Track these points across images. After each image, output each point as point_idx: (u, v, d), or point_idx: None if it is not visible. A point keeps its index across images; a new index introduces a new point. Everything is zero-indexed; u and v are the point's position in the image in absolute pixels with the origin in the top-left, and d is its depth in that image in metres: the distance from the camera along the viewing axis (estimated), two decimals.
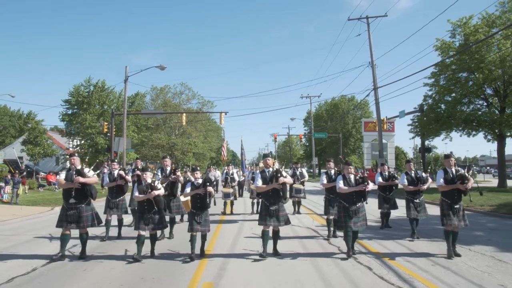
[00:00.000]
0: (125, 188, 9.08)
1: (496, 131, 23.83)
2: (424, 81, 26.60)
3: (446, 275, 5.70)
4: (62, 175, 6.99)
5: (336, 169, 8.76)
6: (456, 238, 6.96)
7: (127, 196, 9.18)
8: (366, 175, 7.45)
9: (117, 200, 8.93)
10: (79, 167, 6.99)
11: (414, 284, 5.28)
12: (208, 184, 6.78)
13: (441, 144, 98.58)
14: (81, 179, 6.70)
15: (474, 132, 25.36)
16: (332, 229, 8.74)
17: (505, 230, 10.08)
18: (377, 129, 27.74)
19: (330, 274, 5.80)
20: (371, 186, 6.86)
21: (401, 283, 5.29)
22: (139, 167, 10.10)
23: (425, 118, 26.24)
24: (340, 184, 6.90)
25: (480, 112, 24.54)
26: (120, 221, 9.10)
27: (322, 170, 62.45)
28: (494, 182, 29.54)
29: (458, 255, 6.74)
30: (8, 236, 9.26)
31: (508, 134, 24.95)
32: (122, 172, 8.94)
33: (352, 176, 6.97)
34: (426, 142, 29.47)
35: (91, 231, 7.70)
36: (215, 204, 7.25)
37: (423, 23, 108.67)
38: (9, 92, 64.10)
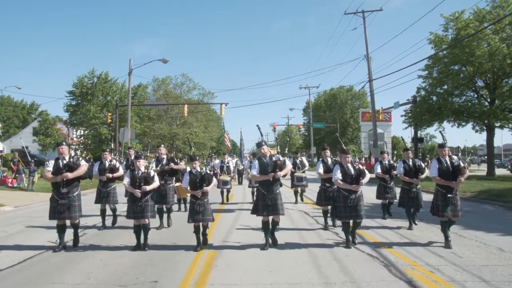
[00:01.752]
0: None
1: (486, 121, 24.85)
2: (419, 73, 27.62)
3: (411, 246, 6.81)
4: (50, 167, 6.61)
5: (333, 158, 8.57)
6: (451, 225, 6.96)
7: (119, 186, 9.17)
8: (363, 166, 7.14)
9: (108, 189, 8.71)
10: (67, 157, 6.68)
11: (381, 252, 6.40)
12: (205, 184, 6.56)
13: (439, 134, 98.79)
14: (70, 175, 6.44)
15: (463, 123, 26.38)
16: (329, 219, 8.55)
17: (478, 213, 11.17)
18: (372, 119, 28.87)
19: (316, 250, 6.92)
20: (366, 179, 6.73)
21: (370, 251, 6.43)
22: (133, 157, 9.96)
23: (418, 109, 27.25)
24: (338, 175, 6.73)
25: (469, 104, 25.51)
26: (114, 211, 8.93)
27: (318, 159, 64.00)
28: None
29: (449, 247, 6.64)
30: (33, 218, 10.36)
31: (498, 125, 26.00)
32: (109, 175, 8.61)
33: (350, 165, 6.80)
34: (423, 132, 30.58)
35: (83, 221, 7.80)
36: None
37: (420, 14, 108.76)
38: (13, 83, 65.11)
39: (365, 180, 6.70)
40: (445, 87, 26.09)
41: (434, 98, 26.28)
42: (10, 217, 10.59)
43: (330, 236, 7.77)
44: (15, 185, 16.82)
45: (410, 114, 28.56)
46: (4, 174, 16.53)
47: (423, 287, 4.66)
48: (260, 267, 5.53)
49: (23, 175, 17.05)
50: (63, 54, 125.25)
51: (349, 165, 6.78)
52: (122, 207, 10.11)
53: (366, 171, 6.92)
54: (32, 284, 4.91)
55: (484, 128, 25.87)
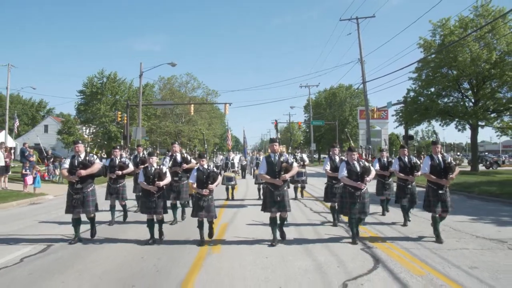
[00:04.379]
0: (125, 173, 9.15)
1: (470, 121, 26.95)
2: (409, 75, 29.72)
3: (383, 228, 8.50)
4: (66, 164, 6.97)
5: (341, 156, 8.70)
6: (442, 220, 7.13)
7: (128, 182, 9.57)
8: (368, 164, 7.31)
9: (118, 186, 8.92)
10: (83, 155, 6.99)
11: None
12: (210, 182, 6.75)
13: (440, 131, 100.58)
14: (83, 173, 6.74)
15: (449, 122, 28.53)
16: (336, 215, 8.62)
17: None
18: (365, 117, 31.09)
19: (304, 230, 9.14)
20: (371, 176, 6.89)
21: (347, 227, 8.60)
22: (141, 155, 10.32)
23: (408, 109, 29.40)
24: (344, 172, 6.89)
25: (452, 104, 27.67)
26: (124, 206, 9.13)
27: (326, 156, 64.79)
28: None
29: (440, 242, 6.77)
30: None
31: (483, 124, 28.11)
32: (119, 172, 8.86)
33: (356, 163, 6.93)
34: (425, 129, 32.60)
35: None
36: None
37: (415, 16, 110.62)
38: (16, 80, 67.35)
39: (370, 177, 6.83)
40: (432, 89, 28.23)
41: (422, 99, 28.44)
42: (55, 203, 12.85)
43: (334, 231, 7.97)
44: (46, 179, 19.15)
45: (400, 114, 30.71)
46: (38, 169, 18.81)
47: (366, 242, 6.92)
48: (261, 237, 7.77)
49: (57, 169, 19.40)
50: (64, 51, 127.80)
51: (355, 162, 6.93)
52: (130, 203, 10.47)
53: (372, 168, 7.13)
54: (90, 249, 7.15)
55: (467, 127, 28.03)
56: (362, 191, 6.77)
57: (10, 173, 16.45)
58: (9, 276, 5.18)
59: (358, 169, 6.81)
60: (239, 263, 5.65)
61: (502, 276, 4.97)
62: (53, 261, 5.87)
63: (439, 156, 7.09)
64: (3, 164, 14.84)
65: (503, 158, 36.56)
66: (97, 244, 6.91)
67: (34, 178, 14.89)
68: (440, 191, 6.89)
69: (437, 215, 6.97)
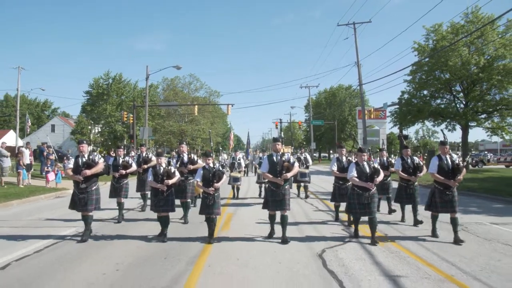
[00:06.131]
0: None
1: (462, 122, 28.36)
2: (405, 77, 31.19)
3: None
4: (70, 164, 7.08)
5: (348, 157, 8.74)
6: (457, 223, 6.95)
7: (131, 181, 9.91)
8: (377, 166, 7.20)
9: (121, 184, 9.18)
10: (86, 154, 7.10)
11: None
12: (215, 180, 6.82)
13: (441, 130, 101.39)
14: (88, 172, 6.87)
15: (441, 123, 30.01)
16: (337, 213, 8.94)
17: (423, 195, 14.73)
18: (362, 118, 32.55)
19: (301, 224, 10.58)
20: (380, 177, 7.03)
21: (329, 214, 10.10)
22: (144, 154, 10.44)
23: (402, 110, 30.85)
24: (353, 172, 6.88)
25: (443, 106, 29.15)
26: (121, 204, 9.16)
27: (326, 154, 65.80)
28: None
29: (461, 241, 6.76)
30: None
31: (474, 124, 29.51)
32: (123, 171, 9.13)
33: (365, 164, 6.93)
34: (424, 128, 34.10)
35: (99, 214, 8.40)
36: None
37: (412, 17, 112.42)
38: (15, 79, 69.16)
39: (379, 178, 6.94)
40: (425, 92, 29.71)
41: (415, 101, 29.91)
42: None
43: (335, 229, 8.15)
44: (63, 175, 20.64)
45: (395, 115, 32.18)
46: (60, 166, 20.31)
47: (346, 223, 8.39)
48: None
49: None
50: (65, 51, 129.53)
51: (365, 163, 6.94)
52: (134, 201, 11.20)
53: (381, 170, 7.18)
54: (119, 231, 8.61)
55: (458, 127, 29.51)
56: (371, 192, 6.82)
57: (32, 170, 17.98)
58: (63, 249, 6.61)
59: (368, 170, 6.85)
60: (244, 238, 7.19)
61: (446, 247, 6.48)
62: (97, 238, 7.30)
63: (447, 156, 7.04)
64: (28, 162, 16.40)
65: (488, 156, 38.10)
66: (116, 235, 7.65)
67: (56, 175, 16.40)
68: (448, 192, 6.89)
69: (437, 215, 7.16)
